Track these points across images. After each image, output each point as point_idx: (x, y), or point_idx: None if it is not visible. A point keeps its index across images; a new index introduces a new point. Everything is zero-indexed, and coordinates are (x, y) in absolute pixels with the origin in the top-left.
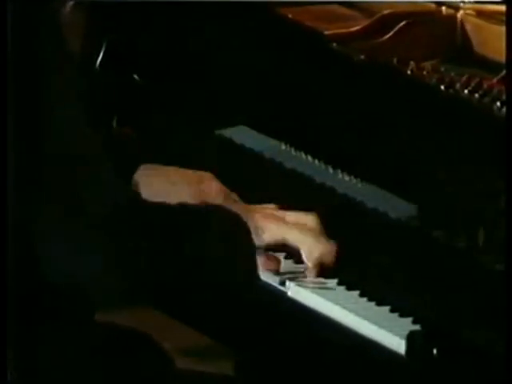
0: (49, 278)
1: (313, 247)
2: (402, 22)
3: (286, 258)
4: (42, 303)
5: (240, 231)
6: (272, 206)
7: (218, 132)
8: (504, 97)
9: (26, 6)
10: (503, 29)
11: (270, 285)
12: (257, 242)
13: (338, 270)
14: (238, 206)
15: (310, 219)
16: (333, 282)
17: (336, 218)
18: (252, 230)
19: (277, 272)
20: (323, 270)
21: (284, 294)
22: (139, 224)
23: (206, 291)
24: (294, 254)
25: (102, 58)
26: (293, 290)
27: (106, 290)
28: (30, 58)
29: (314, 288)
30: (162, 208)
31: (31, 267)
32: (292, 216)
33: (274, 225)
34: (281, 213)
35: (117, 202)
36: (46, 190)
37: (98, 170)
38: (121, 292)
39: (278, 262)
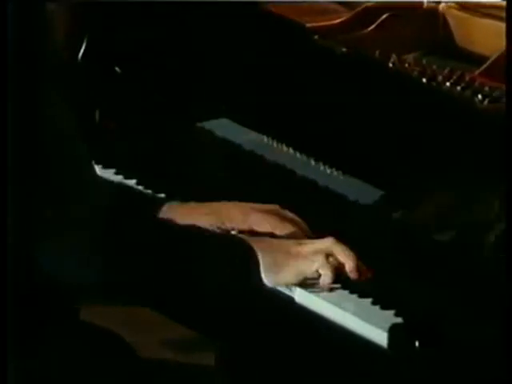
0: (48, 279)
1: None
2: (383, 14)
3: None
4: (42, 304)
5: (248, 266)
6: (275, 206)
7: (199, 124)
8: (486, 89)
9: (25, 6)
10: (485, 22)
11: None
12: (268, 280)
13: None
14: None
15: (324, 247)
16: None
17: (317, 211)
18: (266, 266)
19: None
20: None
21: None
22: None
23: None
24: None
25: (84, 51)
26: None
27: (103, 291)
28: (30, 57)
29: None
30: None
31: (31, 269)
32: (308, 248)
33: (291, 270)
34: (299, 246)
35: (107, 203)
36: (41, 190)
37: (89, 169)
38: (120, 292)
39: None
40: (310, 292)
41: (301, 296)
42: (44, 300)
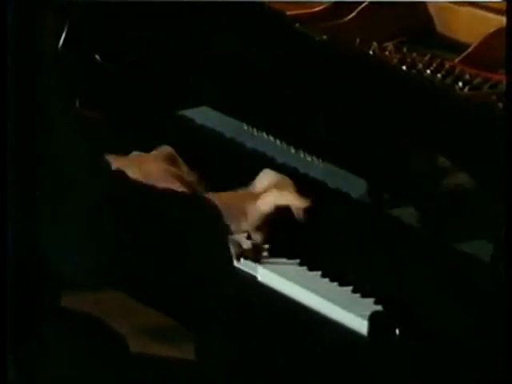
0: (48, 277)
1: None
2: (364, 2)
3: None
4: (43, 303)
5: (213, 219)
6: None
7: (180, 113)
8: (466, 76)
9: (25, 6)
10: (465, 9)
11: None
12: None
13: (300, 251)
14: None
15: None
16: (294, 263)
17: None
18: (232, 217)
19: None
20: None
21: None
22: (114, 208)
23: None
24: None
25: (64, 39)
26: (250, 267)
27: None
28: (29, 55)
29: (271, 265)
30: (136, 190)
31: (30, 268)
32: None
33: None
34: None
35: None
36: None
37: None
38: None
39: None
40: (288, 279)
41: (278, 282)
42: (45, 300)
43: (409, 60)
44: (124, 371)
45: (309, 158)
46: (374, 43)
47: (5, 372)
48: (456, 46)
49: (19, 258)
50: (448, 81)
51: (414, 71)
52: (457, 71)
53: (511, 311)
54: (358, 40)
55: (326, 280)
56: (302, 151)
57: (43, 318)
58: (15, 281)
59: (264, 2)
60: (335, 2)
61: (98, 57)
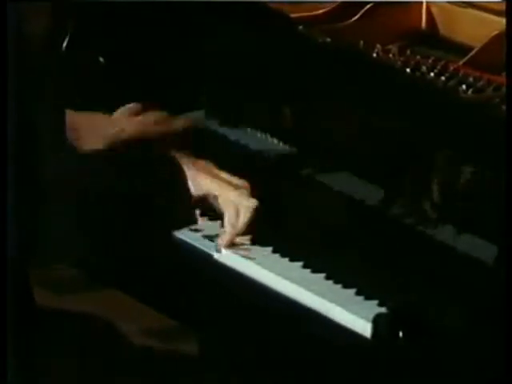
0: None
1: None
2: (368, 4)
3: (210, 219)
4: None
5: (180, 179)
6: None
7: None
8: (470, 79)
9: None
10: (469, 12)
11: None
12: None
13: (303, 253)
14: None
15: (240, 183)
16: (297, 265)
17: (299, 200)
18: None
19: None
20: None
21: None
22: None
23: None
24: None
25: (69, 41)
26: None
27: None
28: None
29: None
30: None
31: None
32: (225, 175)
33: (208, 179)
34: (216, 170)
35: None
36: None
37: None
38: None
39: None
40: (292, 281)
41: (278, 283)
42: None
43: (412, 62)
44: (126, 370)
45: (312, 161)
46: (378, 45)
47: (5, 372)
48: (460, 49)
49: (19, 259)
50: (452, 83)
51: (417, 74)
52: (460, 74)
53: None
54: (361, 42)
55: (330, 282)
56: (305, 153)
57: (43, 317)
58: (15, 280)
59: (267, 4)
60: (339, 4)
61: (101, 59)
